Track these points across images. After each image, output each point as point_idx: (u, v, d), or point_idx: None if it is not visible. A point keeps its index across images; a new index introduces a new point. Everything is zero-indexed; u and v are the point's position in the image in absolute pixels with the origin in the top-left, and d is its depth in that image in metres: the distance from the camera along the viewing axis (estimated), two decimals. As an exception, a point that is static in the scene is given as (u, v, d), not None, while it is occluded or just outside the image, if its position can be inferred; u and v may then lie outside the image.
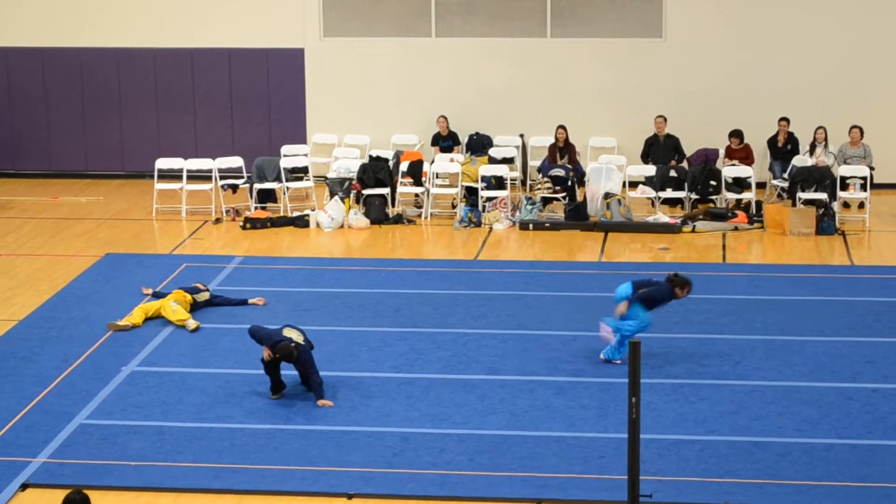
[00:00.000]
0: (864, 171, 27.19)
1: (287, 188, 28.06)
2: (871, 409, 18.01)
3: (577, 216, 26.69)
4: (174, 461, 16.72)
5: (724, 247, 25.46)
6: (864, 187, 27.15)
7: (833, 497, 15.65)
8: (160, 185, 27.88)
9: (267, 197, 28.05)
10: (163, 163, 28.23)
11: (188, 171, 28.09)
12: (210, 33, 29.83)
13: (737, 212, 26.77)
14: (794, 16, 28.57)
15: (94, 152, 30.31)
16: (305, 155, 28.84)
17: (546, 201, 27.22)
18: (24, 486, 16.07)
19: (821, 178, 26.74)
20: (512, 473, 16.31)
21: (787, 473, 16.27)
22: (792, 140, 28.11)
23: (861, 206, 27.11)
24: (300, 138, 29.76)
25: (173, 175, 28.08)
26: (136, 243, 25.88)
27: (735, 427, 17.54)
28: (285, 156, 28.56)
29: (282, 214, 27.40)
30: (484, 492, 15.60)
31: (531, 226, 26.55)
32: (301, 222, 26.74)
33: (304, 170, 28.42)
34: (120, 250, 25.29)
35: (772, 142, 28.19)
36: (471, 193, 27.49)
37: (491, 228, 26.66)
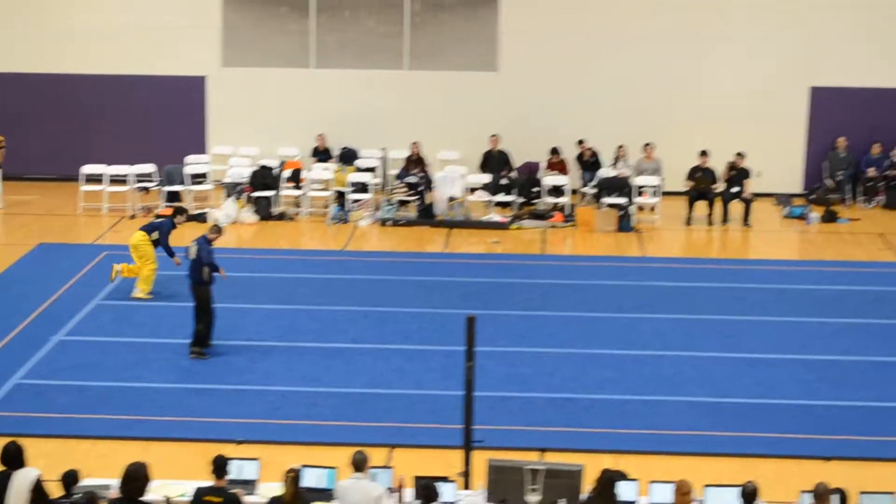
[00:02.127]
0: (655, 181, 27.47)
1: (191, 190, 27.77)
2: (658, 372, 18.25)
3: (427, 215, 26.70)
4: (93, 413, 16.53)
5: (542, 241, 25.58)
6: (655, 194, 27.42)
7: (628, 441, 15.86)
8: (85, 187, 27.44)
9: (174, 197, 27.72)
10: (88, 168, 27.78)
11: (109, 175, 27.66)
12: (132, 62, 29.37)
13: (554, 213, 26.91)
14: (600, 56, 28.72)
15: (33, 159, 29.72)
16: (206, 163, 28.56)
17: (402, 203, 27.18)
18: (-32, 435, 15.79)
19: (621, 186, 26.96)
20: (371, 424, 16.32)
21: (592, 423, 16.45)
22: (594, 155, 28.22)
23: (653, 209, 27.35)
24: (202, 149, 29.44)
25: (96, 178, 27.65)
26: (64, 235, 25.47)
27: (550, 386, 17.68)
28: (189, 164, 28.25)
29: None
30: (348, 439, 15.54)
31: (389, 222, 26.49)
32: (202, 218, 26.44)
33: (205, 175, 28.15)
34: (51, 240, 24.87)
35: (579, 157, 28.35)
36: (340, 196, 27.38)
37: (357, 225, 26.57)
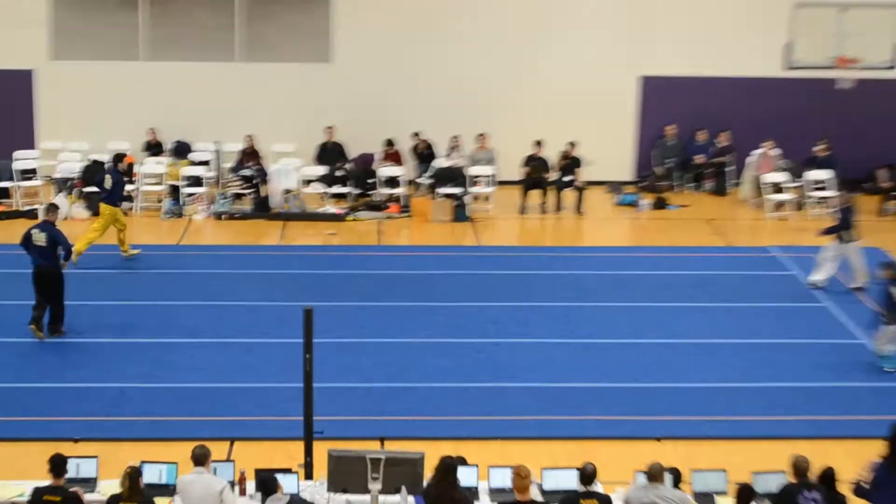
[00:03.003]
0: (490, 170, 27.78)
1: (19, 186, 27.32)
2: (495, 359, 18.52)
3: (263, 208, 26.65)
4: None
5: (378, 232, 25.74)
6: (489, 184, 27.74)
7: (467, 428, 16.09)
8: None
9: (2, 194, 27.24)
10: None
11: (-67, 172, 27.13)
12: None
13: (390, 204, 27.08)
14: (433, 48, 28.96)
15: None
16: (35, 158, 28.10)
17: (237, 196, 27.08)
18: None
19: (455, 176, 27.22)
20: (211, 418, 16.31)
21: (431, 411, 16.66)
22: (429, 147, 28.48)
23: (487, 198, 27.66)
24: (31, 144, 28.95)
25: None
26: None
27: (389, 376, 17.84)
28: (17, 159, 27.77)
29: (15, 209, 26.65)
30: (188, 433, 15.48)
31: (224, 216, 26.40)
32: (31, 215, 26.03)
33: (34, 171, 27.70)
34: None
35: (413, 149, 28.55)
36: (174, 190, 27.17)
37: (191, 219, 26.42)
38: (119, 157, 23.30)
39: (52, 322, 19.19)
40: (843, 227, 21.44)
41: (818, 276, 21.82)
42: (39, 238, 19.01)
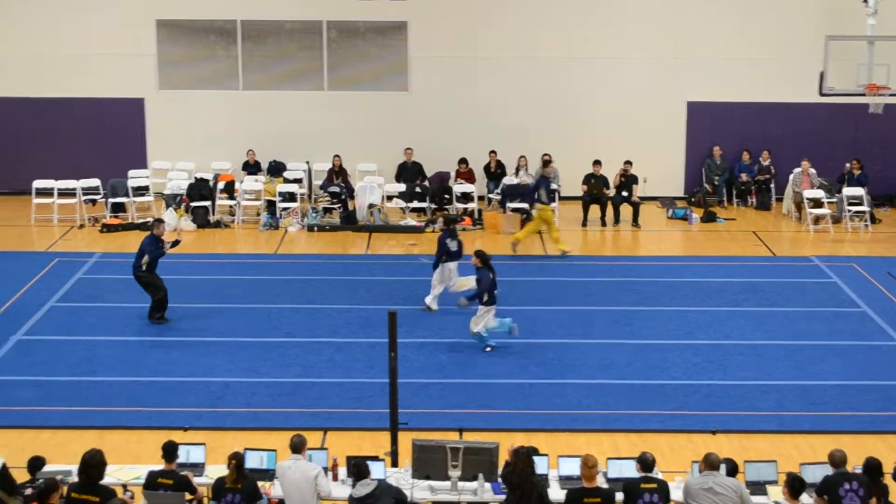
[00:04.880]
0: (553, 186, 27.53)
1: (134, 201, 27.45)
2: (561, 358, 18.29)
3: (349, 221, 26.61)
4: (51, 406, 16.30)
5: (455, 243, 25.57)
6: (553, 199, 27.48)
7: (537, 421, 15.92)
8: (37, 200, 27.03)
9: (119, 208, 27.39)
10: (39, 183, 27.35)
11: (58, 189, 27.26)
12: (78, 87, 28.98)
13: (464, 217, 26.95)
14: (500, 76, 28.81)
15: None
16: (147, 177, 28.24)
17: (326, 210, 27.08)
18: (-66, 428, 15.54)
19: (523, 192, 27.06)
20: (306, 410, 16.26)
21: (504, 405, 16.51)
22: (500, 165, 28.38)
23: (552, 212, 27.38)
24: (143, 164, 29.11)
25: (47, 192, 27.23)
26: (18, 244, 25.03)
27: (465, 373, 17.71)
28: (132, 177, 27.92)
29: (130, 221, 26.78)
30: (285, 424, 15.52)
31: (315, 228, 26.38)
32: (145, 227, 26.16)
33: (146, 188, 27.83)
34: (6, 249, 24.46)
35: (486, 168, 28.45)
36: (271, 205, 27.21)
37: (286, 231, 26.43)
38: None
39: (151, 310, 19.63)
40: None
41: None
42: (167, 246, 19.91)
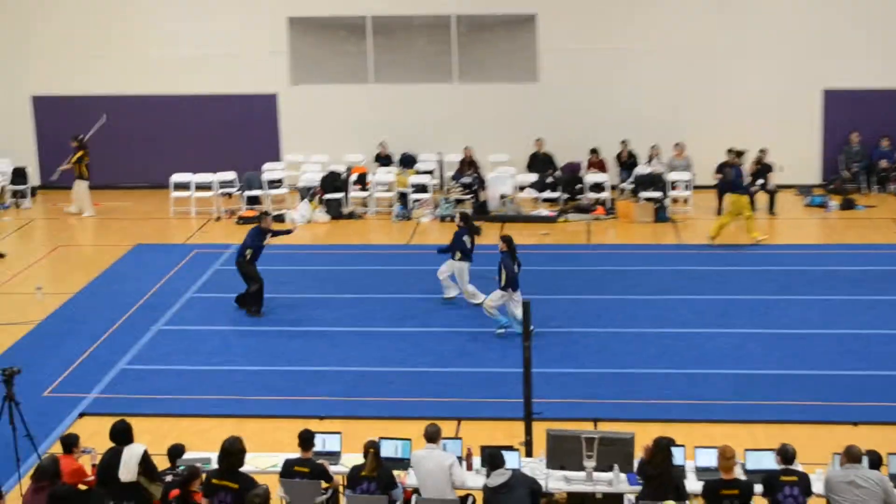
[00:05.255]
0: (687, 176, 27.21)
1: (268, 194, 27.74)
2: (697, 348, 18.00)
3: (481, 211, 26.54)
4: (190, 395, 16.52)
5: (587, 232, 25.37)
6: (687, 188, 27.16)
7: (673, 411, 15.67)
8: (175, 194, 27.48)
9: (254, 200, 27.73)
10: (177, 177, 27.82)
11: (195, 182, 27.69)
12: (214, 84, 29.39)
13: (596, 206, 26.69)
14: (630, 65, 28.46)
15: (128, 170, 29.84)
16: (282, 169, 28.53)
17: (458, 201, 27.05)
18: (81, 415, 15.87)
19: (655, 181, 26.72)
20: (440, 399, 16.23)
21: (639, 395, 16.29)
22: (632, 155, 28.05)
23: (686, 201, 27.07)
24: (277, 157, 29.43)
25: (184, 186, 27.68)
26: (158, 237, 25.49)
27: (600, 362, 17.52)
28: (266, 170, 28.23)
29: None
30: (420, 413, 15.48)
31: (448, 218, 26.37)
32: (280, 219, 26.45)
33: (281, 181, 28.11)
34: (147, 241, 24.92)
35: (618, 157, 28.15)
36: (403, 196, 27.27)
37: (418, 221, 26.46)
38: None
39: (243, 299, 19.94)
40: None
41: None
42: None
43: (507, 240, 18.79)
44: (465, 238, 20.19)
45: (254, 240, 19.95)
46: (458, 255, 20.10)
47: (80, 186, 27.32)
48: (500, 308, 18.63)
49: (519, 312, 17.98)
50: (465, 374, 17.13)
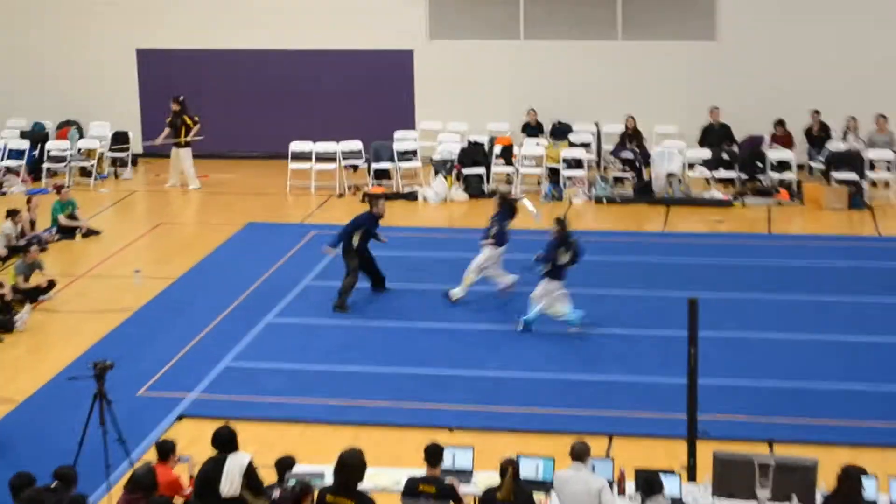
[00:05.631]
0: (889, 154, 26.71)
1: (399, 167, 27.96)
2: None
3: (644, 192, 26.43)
4: (304, 397, 16.74)
5: (769, 220, 25.07)
6: (889, 169, 26.67)
7: (865, 434, 15.44)
8: (293, 165, 27.86)
9: (382, 175, 27.99)
10: (295, 146, 28.20)
11: (316, 153, 28.05)
12: (336, 37, 29.79)
13: (780, 189, 26.36)
14: (826, 21, 28.09)
15: (240, 137, 30.39)
16: (414, 140, 28.74)
17: (617, 180, 26.96)
18: (180, 418, 16.19)
19: (852, 160, 26.28)
20: (589, 412, 16.20)
21: (825, 414, 16.06)
22: (824, 128, 27.65)
23: (886, 184, 26.58)
24: (410, 125, 29.67)
25: (304, 156, 28.06)
26: (272, 214, 25.89)
27: (779, 374, 17.32)
28: (397, 140, 28.46)
29: (395, 190, 27.32)
30: (565, 427, 15.46)
31: (605, 200, 26.28)
32: (411, 196, 26.68)
33: (414, 152, 28.30)
34: (259, 220, 25.32)
35: (807, 131, 27.76)
36: (553, 173, 27.25)
37: (571, 202, 26.43)
38: None
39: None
40: None
41: None
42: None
43: (560, 222, 19.21)
44: (505, 222, 20.55)
45: (366, 224, 20.28)
46: (494, 241, 20.32)
47: (181, 155, 27.86)
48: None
49: (561, 308, 18.70)
50: (619, 384, 17.08)
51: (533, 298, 18.94)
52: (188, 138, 27.82)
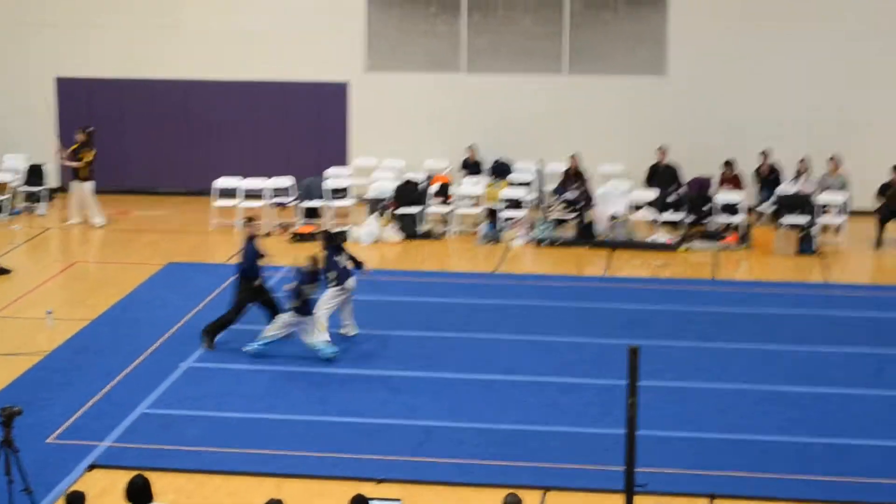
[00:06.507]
0: (841, 198, 27.02)
1: (331, 206, 28.02)
2: (845, 411, 17.90)
3: (586, 235, 26.60)
4: (224, 447, 16.71)
5: (713, 264, 25.29)
6: (841, 212, 26.97)
7: (810, 489, 15.55)
8: (219, 202, 27.86)
9: (313, 213, 28.04)
10: (221, 181, 28.21)
11: (244, 189, 28.06)
12: (266, 68, 29.86)
13: (727, 233, 26.58)
14: (779, 59, 28.44)
15: (162, 172, 30.37)
16: (348, 176, 28.81)
17: (559, 221, 27.12)
18: (91, 467, 16.09)
19: (802, 204, 26.58)
20: (524, 463, 16.25)
21: (770, 467, 16.17)
22: (774, 170, 27.94)
23: (838, 230, 26.89)
24: (343, 161, 29.74)
25: (230, 193, 28.07)
26: (194, 253, 25.87)
27: (723, 426, 17.44)
28: (329, 177, 28.51)
29: (325, 229, 27.37)
30: (498, 479, 15.52)
31: (545, 242, 26.44)
32: (343, 236, 26.74)
33: (346, 190, 28.38)
34: (180, 259, 25.29)
35: (757, 172, 28.04)
36: (492, 213, 27.38)
37: (509, 245, 26.56)
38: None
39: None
40: None
41: None
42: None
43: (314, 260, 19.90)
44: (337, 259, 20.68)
45: (245, 258, 20.62)
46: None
47: (83, 189, 27.72)
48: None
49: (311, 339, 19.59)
50: (555, 434, 17.15)
51: (268, 329, 19.82)
52: (84, 164, 27.60)
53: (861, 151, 27.77)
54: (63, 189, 29.97)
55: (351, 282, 20.53)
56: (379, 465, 16.16)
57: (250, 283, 20.36)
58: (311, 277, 19.74)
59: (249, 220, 21.52)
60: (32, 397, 17.62)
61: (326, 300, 20.31)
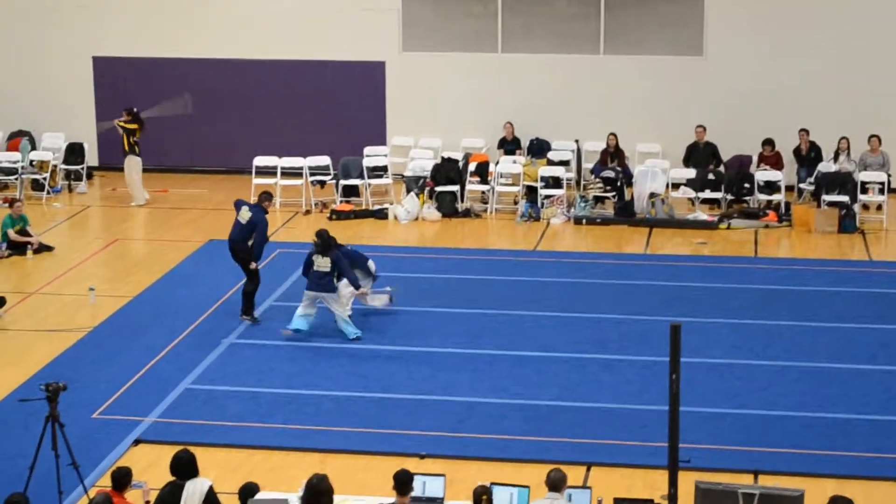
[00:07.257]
0: (882, 176, 26.90)
1: (369, 184, 28.05)
2: (886, 389, 17.87)
3: (626, 213, 26.55)
4: (267, 423, 16.79)
5: (755, 242, 25.24)
6: (882, 191, 26.87)
7: (852, 465, 15.55)
8: (257, 181, 27.92)
9: (351, 192, 28.07)
10: (260, 160, 28.27)
11: (282, 168, 28.13)
12: (305, 47, 29.86)
13: (768, 211, 26.52)
14: (818, 36, 28.26)
15: (202, 150, 30.45)
16: (385, 155, 28.82)
17: (597, 199, 27.09)
18: (136, 442, 16.22)
19: (843, 182, 26.48)
20: (566, 439, 16.29)
21: (811, 444, 16.18)
22: (814, 148, 27.82)
23: (879, 208, 26.78)
24: (381, 140, 29.74)
25: (269, 171, 28.14)
26: (234, 231, 25.94)
27: (765, 402, 17.44)
28: (367, 156, 28.53)
29: (364, 208, 27.41)
30: (541, 455, 15.57)
31: (584, 221, 26.41)
32: (381, 214, 26.78)
33: (384, 168, 28.39)
34: (221, 237, 25.31)
35: (796, 151, 27.93)
36: (531, 192, 27.37)
37: (548, 223, 26.54)
38: None
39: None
40: None
41: None
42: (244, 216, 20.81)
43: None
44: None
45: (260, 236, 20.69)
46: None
47: (130, 164, 27.77)
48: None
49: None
50: (596, 410, 17.18)
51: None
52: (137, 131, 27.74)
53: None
54: (102, 167, 30.07)
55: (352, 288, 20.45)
56: (421, 440, 16.23)
57: (249, 254, 20.50)
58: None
59: (268, 195, 21.52)
60: (76, 373, 17.76)
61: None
